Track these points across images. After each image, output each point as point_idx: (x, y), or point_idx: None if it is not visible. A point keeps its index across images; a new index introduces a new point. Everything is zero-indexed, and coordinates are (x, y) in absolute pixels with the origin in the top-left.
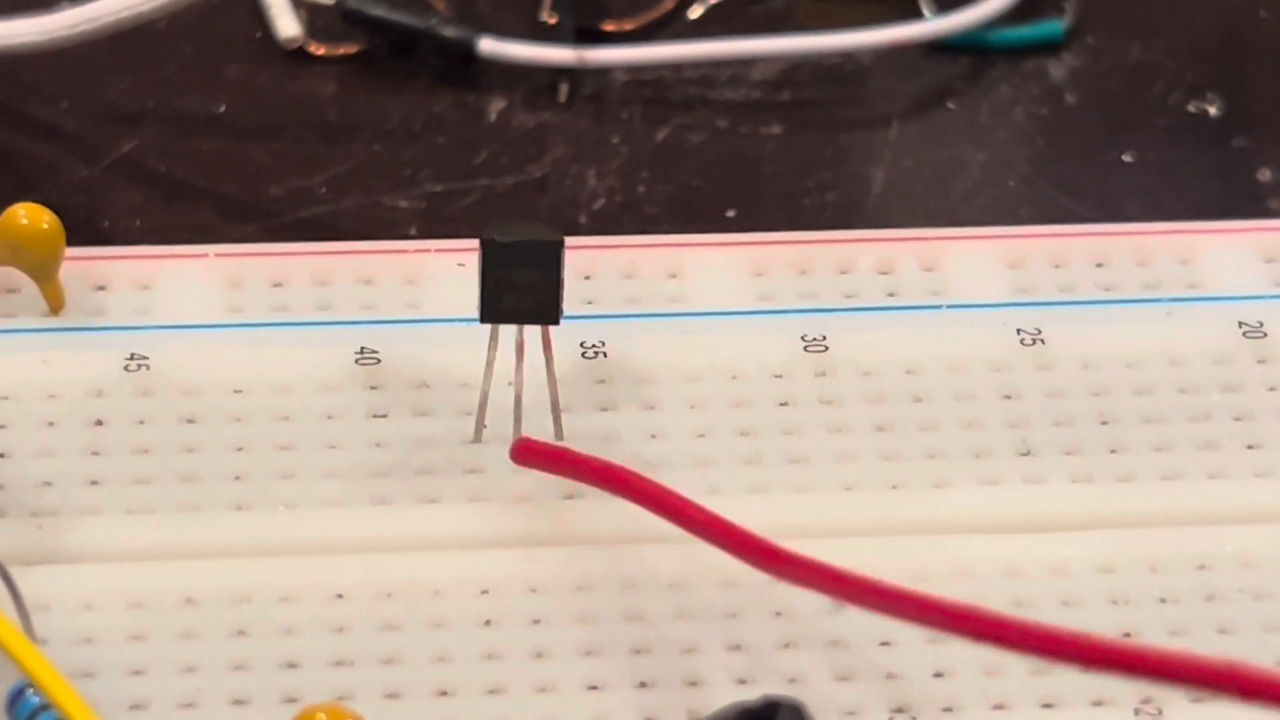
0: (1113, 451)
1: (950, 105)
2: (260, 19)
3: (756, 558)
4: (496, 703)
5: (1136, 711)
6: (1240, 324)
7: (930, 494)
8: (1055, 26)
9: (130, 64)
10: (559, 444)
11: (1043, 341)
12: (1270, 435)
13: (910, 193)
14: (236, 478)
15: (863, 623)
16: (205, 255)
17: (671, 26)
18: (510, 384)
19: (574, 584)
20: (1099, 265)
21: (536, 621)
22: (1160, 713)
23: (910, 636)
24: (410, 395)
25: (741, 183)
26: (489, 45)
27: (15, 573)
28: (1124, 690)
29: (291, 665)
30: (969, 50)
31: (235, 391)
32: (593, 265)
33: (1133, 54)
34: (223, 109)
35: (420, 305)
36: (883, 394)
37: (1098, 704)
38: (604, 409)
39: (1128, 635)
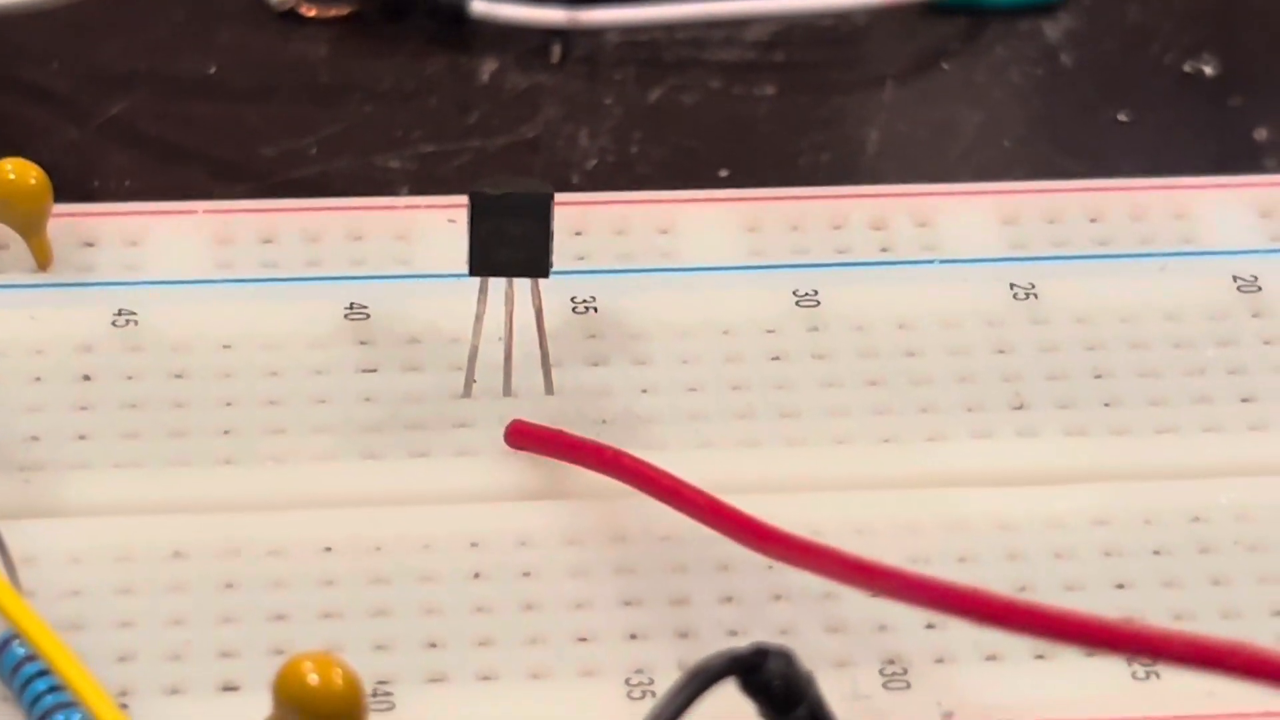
0: (1107, 405)
1: (945, 66)
2: None
3: (754, 540)
4: (486, 654)
5: (1130, 661)
6: (1235, 278)
7: (923, 448)
8: None
9: (121, 26)
10: (552, 427)
11: (1036, 296)
12: (1264, 388)
13: (905, 153)
14: (225, 432)
15: None
16: (194, 211)
17: None
18: (500, 339)
19: (564, 537)
20: (1093, 221)
21: (526, 574)
22: (1154, 662)
23: None
24: (400, 350)
25: (735, 143)
26: (481, 7)
27: (3, 526)
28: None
29: (280, 618)
30: (964, 11)
31: (224, 347)
32: (584, 221)
33: (1129, 14)
34: (214, 71)
35: (410, 261)
36: (875, 348)
37: (1091, 654)
38: (595, 364)
39: (1121, 588)
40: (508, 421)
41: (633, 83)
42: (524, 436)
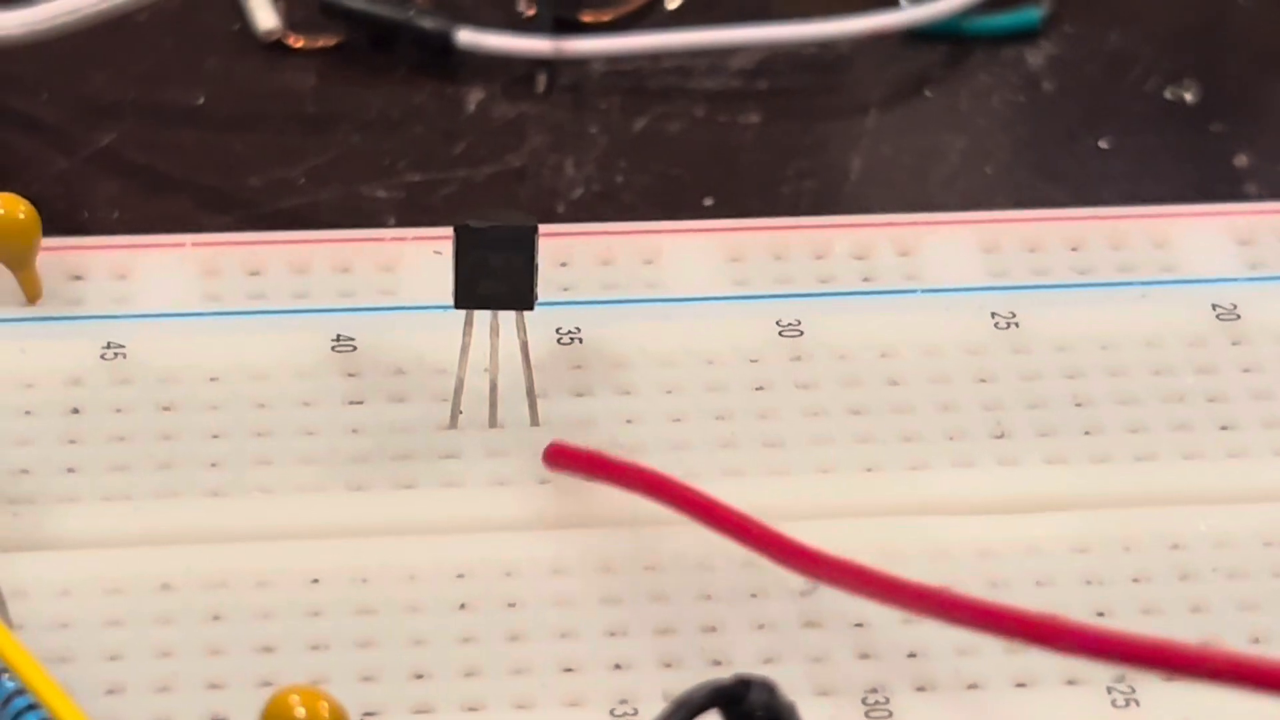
0: (1087, 433)
1: (928, 93)
2: (239, 11)
3: (796, 562)
4: (472, 685)
5: (1109, 690)
6: (1214, 306)
7: (906, 476)
8: (1033, 14)
9: (110, 56)
10: (591, 449)
11: (1017, 325)
12: (1243, 416)
13: (888, 180)
14: (213, 464)
15: (837, 604)
16: (182, 245)
17: (649, 17)
18: (486, 370)
19: (549, 568)
20: (1074, 249)
21: (512, 605)
22: (1133, 690)
23: (885, 618)
24: (386, 381)
25: (720, 171)
26: (467, 36)
27: None
28: (1097, 669)
29: (267, 649)
30: (947, 38)
31: (212, 379)
32: (569, 252)
33: (1110, 41)
34: (202, 101)
35: (396, 292)
36: (858, 377)
37: (1071, 683)
38: (580, 394)
39: (1101, 615)
40: (495, 453)
41: (618, 112)
42: (561, 458)
